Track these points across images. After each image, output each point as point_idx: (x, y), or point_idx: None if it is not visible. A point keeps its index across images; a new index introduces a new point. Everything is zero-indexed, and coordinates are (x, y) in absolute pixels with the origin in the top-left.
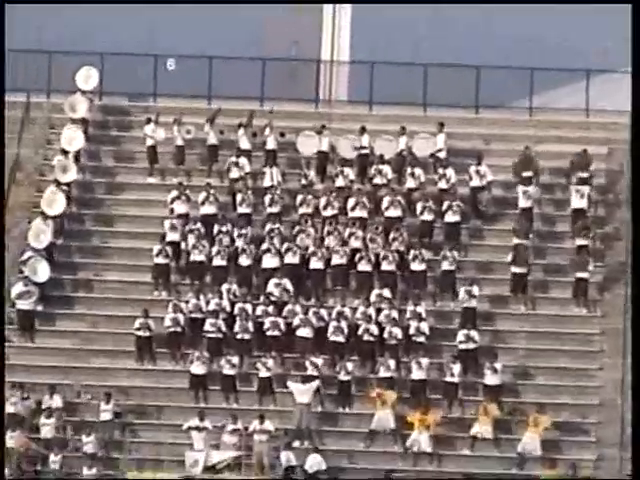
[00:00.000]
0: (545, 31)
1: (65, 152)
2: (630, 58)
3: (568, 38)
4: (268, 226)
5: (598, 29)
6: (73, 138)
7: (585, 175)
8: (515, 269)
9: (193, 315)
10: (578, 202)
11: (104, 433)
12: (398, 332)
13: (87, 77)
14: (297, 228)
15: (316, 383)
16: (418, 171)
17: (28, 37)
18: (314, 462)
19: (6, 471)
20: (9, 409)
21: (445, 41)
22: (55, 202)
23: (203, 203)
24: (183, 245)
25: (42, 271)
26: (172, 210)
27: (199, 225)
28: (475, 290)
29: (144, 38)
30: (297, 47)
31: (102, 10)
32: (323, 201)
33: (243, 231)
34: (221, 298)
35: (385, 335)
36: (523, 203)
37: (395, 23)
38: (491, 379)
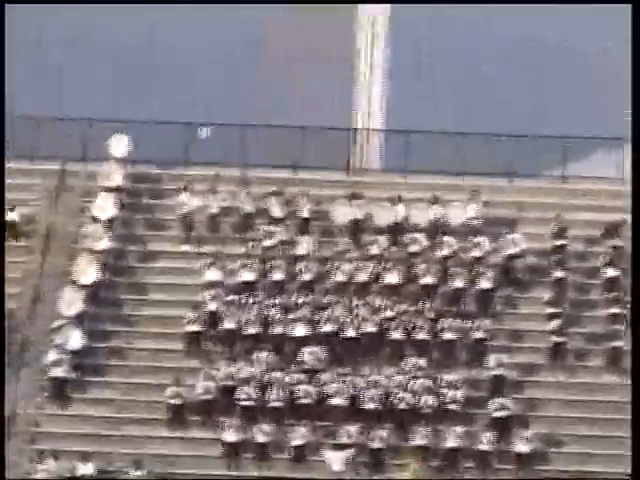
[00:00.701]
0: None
1: (96, 219)
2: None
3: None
4: (301, 294)
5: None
6: (105, 206)
7: (618, 243)
8: (555, 338)
9: (225, 383)
10: (611, 270)
11: None
12: (432, 400)
13: (119, 144)
14: (331, 297)
15: (351, 450)
16: (452, 239)
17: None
18: None
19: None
20: (39, 476)
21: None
22: (88, 270)
23: (242, 270)
24: (218, 313)
25: (74, 339)
26: (206, 278)
27: (233, 295)
28: (505, 358)
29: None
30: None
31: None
32: (357, 268)
33: (276, 300)
34: (253, 366)
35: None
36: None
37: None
38: (521, 447)
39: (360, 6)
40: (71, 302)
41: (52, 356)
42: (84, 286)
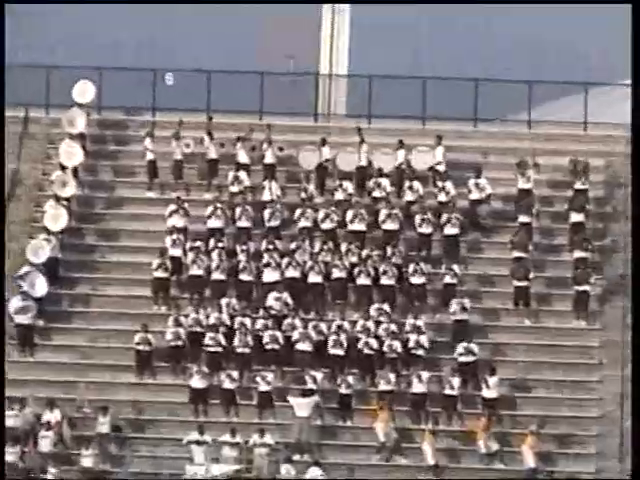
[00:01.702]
0: (545, 31)
1: (63, 167)
2: (630, 58)
3: (568, 39)
4: (267, 240)
5: (598, 29)
6: (71, 153)
7: (583, 187)
8: (516, 283)
9: (193, 329)
10: (576, 215)
11: (102, 447)
12: (398, 345)
13: (84, 91)
14: (296, 242)
15: (316, 397)
16: (417, 184)
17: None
18: (314, 475)
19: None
20: (8, 422)
21: (445, 50)
22: (59, 217)
23: (210, 217)
24: (183, 259)
25: (40, 286)
26: (170, 224)
27: (198, 242)
28: (467, 303)
29: (144, 37)
30: (295, 61)
31: (101, 9)
32: (322, 215)
33: (244, 246)
34: (221, 312)
35: (385, 348)
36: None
37: (395, 31)
38: (488, 392)
39: None
40: (37, 249)
41: (16, 303)
42: (51, 233)
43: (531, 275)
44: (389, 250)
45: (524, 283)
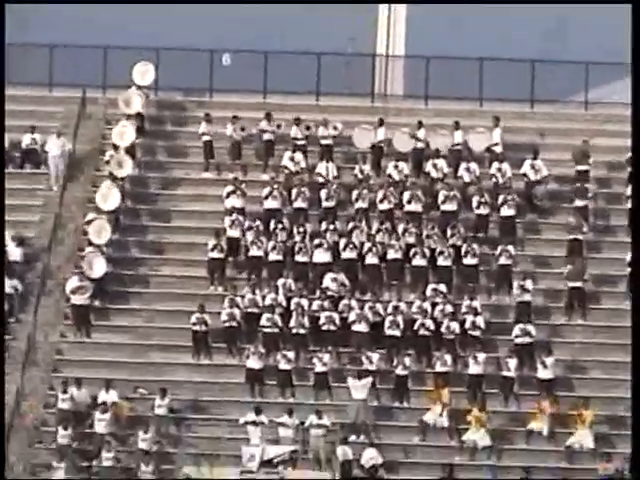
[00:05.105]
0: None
1: (116, 147)
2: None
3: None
4: (324, 221)
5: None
6: (124, 133)
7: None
8: (571, 283)
9: (249, 310)
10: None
11: (160, 428)
12: (455, 326)
13: (144, 72)
14: (352, 223)
15: (371, 379)
16: (473, 166)
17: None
18: (370, 456)
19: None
20: (62, 405)
21: (498, 35)
22: (110, 197)
23: (267, 197)
24: (241, 240)
25: (98, 267)
26: (228, 205)
27: (258, 221)
28: (529, 284)
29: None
30: (353, 43)
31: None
32: (379, 195)
33: (301, 228)
34: (277, 293)
35: (442, 330)
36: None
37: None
38: (544, 373)
39: None
40: (100, 230)
41: (73, 283)
42: (107, 212)
43: (586, 276)
44: (448, 231)
45: (578, 284)
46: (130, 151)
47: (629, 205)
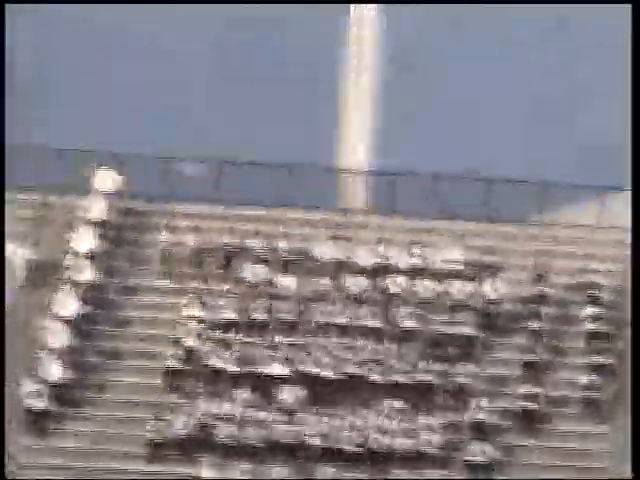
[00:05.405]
0: None
1: (78, 253)
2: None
3: None
4: (281, 333)
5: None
6: (85, 239)
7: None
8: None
9: (205, 420)
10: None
11: None
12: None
13: (106, 178)
14: (310, 337)
15: None
16: (432, 283)
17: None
18: None
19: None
20: None
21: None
22: (69, 303)
23: (225, 308)
24: (198, 350)
25: (54, 371)
26: (186, 313)
27: (216, 331)
28: (484, 403)
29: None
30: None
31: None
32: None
33: (259, 340)
34: (233, 404)
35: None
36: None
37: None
38: None
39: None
40: (54, 334)
41: (28, 387)
42: (65, 319)
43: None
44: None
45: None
46: (90, 257)
47: (586, 326)
